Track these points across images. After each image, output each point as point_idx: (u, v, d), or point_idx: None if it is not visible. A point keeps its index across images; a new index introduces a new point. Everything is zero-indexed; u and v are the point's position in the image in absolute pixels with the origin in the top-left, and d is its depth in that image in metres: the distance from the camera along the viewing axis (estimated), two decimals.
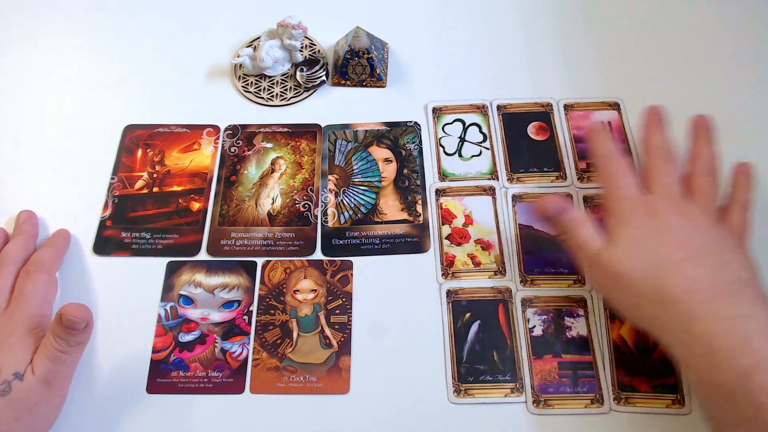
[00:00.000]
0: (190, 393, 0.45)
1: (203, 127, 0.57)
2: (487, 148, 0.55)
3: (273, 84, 0.59)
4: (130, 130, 0.56)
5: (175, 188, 0.53)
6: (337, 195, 0.53)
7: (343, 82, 0.58)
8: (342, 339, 0.46)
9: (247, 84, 0.59)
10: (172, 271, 0.49)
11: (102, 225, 0.52)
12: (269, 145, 0.55)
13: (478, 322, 0.46)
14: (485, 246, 0.50)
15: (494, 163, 0.54)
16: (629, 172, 0.45)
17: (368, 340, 0.46)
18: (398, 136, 0.55)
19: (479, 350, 0.46)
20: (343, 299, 0.48)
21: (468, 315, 0.47)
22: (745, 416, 0.35)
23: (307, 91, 0.58)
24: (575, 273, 0.48)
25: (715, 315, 0.37)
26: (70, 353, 0.42)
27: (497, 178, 0.53)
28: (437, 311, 0.47)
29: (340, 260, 0.50)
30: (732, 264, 0.40)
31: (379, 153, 0.55)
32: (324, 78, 0.58)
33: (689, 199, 0.44)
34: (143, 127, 0.57)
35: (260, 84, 0.59)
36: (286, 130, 0.56)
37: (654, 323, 0.41)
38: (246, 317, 0.47)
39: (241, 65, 0.59)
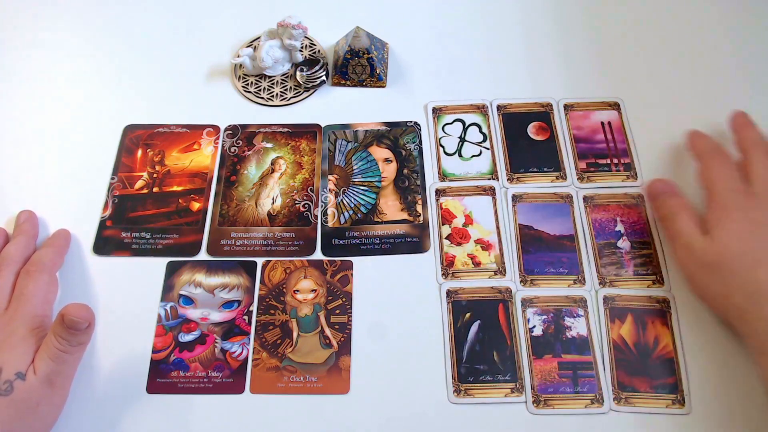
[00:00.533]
0: (190, 393, 0.45)
1: (203, 127, 0.57)
2: (487, 148, 0.55)
3: (273, 84, 0.59)
4: (130, 130, 0.56)
5: (175, 188, 0.53)
6: (337, 195, 0.53)
7: (343, 82, 0.58)
8: (342, 339, 0.46)
9: (247, 84, 0.59)
10: (172, 271, 0.49)
11: (102, 225, 0.52)
12: (269, 145, 0.55)
13: (478, 322, 0.46)
14: (485, 246, 0.50)
15: (494, 163, 0.54)
16: (730, 166, 0.47)
17: (368, 340, 0.46)
18: (398, 136, 0.55)
19: (479, 350, 0.46)
20: (343, 299, 0.48)
21: (468, 315, 0.47)
22: None
23: (307, 91, 0.58)
24: (575, 273, 0.48)
25: None
26: (72, 353, 0.42)
27: (497, 178, 0.53)
28: (437, 311, 0.47)
29: (340, 260, 0.50)
30: None
31: (379, 153, 0.55)
32: (324, 78, 0.58)
33: None
34: (143, 127, 0.57)
35: (260, 84, 0.59)
36: (286, 130, 0.56)
37: (738, 314, 0.42)
38: (246, 317, 0.47)
39: (241, 65, 0.59)
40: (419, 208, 0.52)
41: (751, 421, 0.43)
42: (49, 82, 0.59)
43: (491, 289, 0.48)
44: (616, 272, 0.48)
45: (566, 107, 0.56)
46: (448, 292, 0.48)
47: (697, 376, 0.44)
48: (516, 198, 0.52)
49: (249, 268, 0.49)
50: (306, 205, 0.52)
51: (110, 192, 0.53)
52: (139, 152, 0.55)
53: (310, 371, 0.45)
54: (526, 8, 0.63)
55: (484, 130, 0.56)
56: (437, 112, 0.57)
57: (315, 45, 0.61)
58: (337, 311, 0.47)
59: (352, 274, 0.49)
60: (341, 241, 0.50)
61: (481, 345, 0.46)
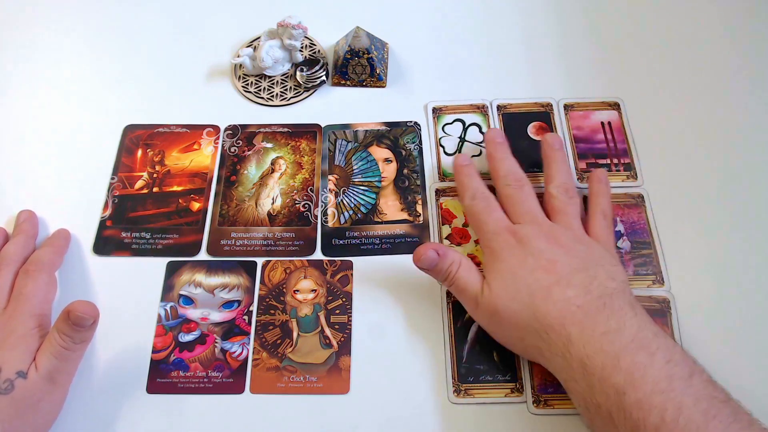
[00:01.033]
0: (190, 393, 0.45)
1: (203, 127, 0.57)
2: None
3: (273, 84, 0.59)
4: (130, 130, 0.56)
5: (175, 188, 0.53)
6: (337, 195, 0.53)
7: (343, 82, 0.58)
8: (342, 339, 0.46)
9: (247, 84, 0.59)
10: (172, 271, 0.49)
11: (102, 225, 0.52)
12: (269, 145, 0.55)
13: None
14: None
15: None
16: (495, 207, 0.47)
17: (368, 340, 0.46)
18: (398, 136, 0.55)
19: (479, 350, 0.46)
20: (343, 299, 0.48)
21: (468, 315, 0.47)
22: None
23: (307, 91, 0.58)
24: None
25: (588, 335, 0.38)
26: (75, 351, 0.42)
27: None
28: (437, 311, 0.47)
29: (340, 260, 0.50)
30: (600, 276, 0.41)
31: (379, 153, 0.55)
32: (324, 78, 0.58)
33: (553, 219, 0.46)
34: (143, 127, 0.57)
35: (260, 84, 0.59)
36: (286, 130, 0.56)
37: (538, 353, 0.41)
38: (246, 317, 0.47)
39: (241, 65, 0.59)
40: (419, 208, 0.52)
41: None
42: (49, 82, 0.59)
43: None
44: None
45: (566, 107, 0.56)
46: (448, 292, 0.48)
47: None
48: None
49: (249, 268, 0.49)
50: (306, 205, 0.52)
51: (110, 192, 0.53)
52: (139, 152, 0.55)
53: (310, 371, 0.45)
54: (526, 8, 0.63)
55: (484, 130, 0.56)
56: (437, 112, 0.57)
57: (315, 45, 0.61)
58: (337, 311, 0.47)
59: (352, 274, 0.49)
60: (341, 241, 0.50)
61: (481, 345, 0.46)
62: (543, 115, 0.56)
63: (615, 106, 0.56)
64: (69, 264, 0.50)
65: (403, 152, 0.55)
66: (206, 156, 0.55)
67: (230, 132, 0.56)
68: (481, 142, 0.55)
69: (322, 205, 0.52)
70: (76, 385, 0.44)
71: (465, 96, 0.57)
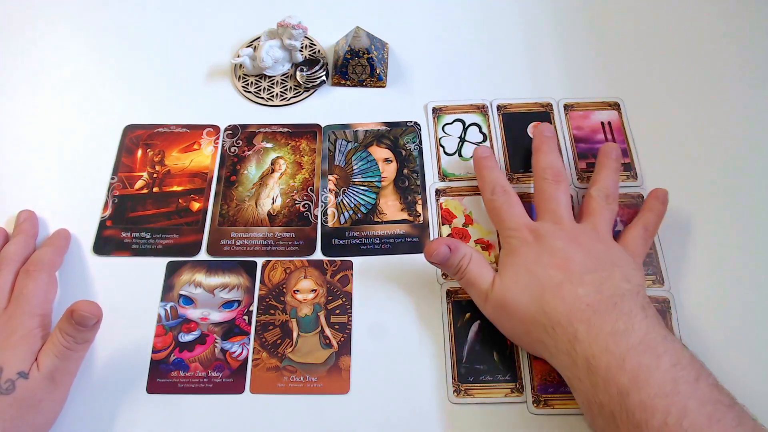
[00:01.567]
0: (190, 393, 0.45)
1: (203, 127, 0.57)
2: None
3: (273, 84, 0.59)
4: (130, 130, 0.56)
5: (175, 188, 0.53)
6: (337, 195, 0.53)
7: (343, 82, 0.58)
8: (342, 339, 0.46)
9: (247, 84, 0.59)
10: (172, 271, 0.49)
11: (102, 225, 0.52)
12: (269, 145, 0.55)
13: (478, 322, 0.46)
14: (485, 246, 0.50)
15: None
16: (515, 203, 0.47)
17: (368, 340, 0.46)
18: (398, 136, 0.55)
19: (479, 350, 0.46)
20: (343, 299, 0.48)
21: (468, 315, 0.47)
22: None
23: (307, 91, 0.58)
24: None
25: (595, 334, 0.38)
26: (77, 350, 0.42)
27: None
28: (437, 311, 0.47)
29: (340, 260, 0.50)
30: (614, 277, 0.40)
31: (379, 153, 0.55)
32: (324, 78, 0.58)
33: (581, 220, 0.45)
34: (143, 127, 0.57)
35: (260, 84, 0.59)
36: (286, 130, 0.56)
37: (543, 349, 0.41)
38: (246, 317, 0.47)
39: (241, 65, 0.59)
40: (419, 208, 0.52)
41: None
42: (49, 82, 0.59)
43: None
44: None
45: (566, 107, 0.56)
46: (448, 292, 0.48)
47: None
48: None
49: (249, 268, 0.49)
50: (306, 205, 0.52)
51: (110, 192, 0.53)
52: (139, 152, 0.55)
53: (310, 371, 0.45)
54: (526, 8, 0.63)
55: (484, 130, 0.56)
56: (437, 112, 0.57)
57: (315, 45, 0.61)
58: (337, 311, 0.47)
59: (352, 274, 0.49)
60: (341, 241, 0.50)
61: (481, 345, 0.46)
62: (543, 115, 0.56)
63: (615, 106, 0.56)
64: (69, 264, 0.50)
65: (403, 152, 0.55)
66: (206, 156, 0.55)
67: (230, 132, 0.56)
68: (481, 143, 0.55)
69: (322, 205, 0.52)
70: (76, 385, 0.44)
71: (465, 96, 0.57)
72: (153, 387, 0.45)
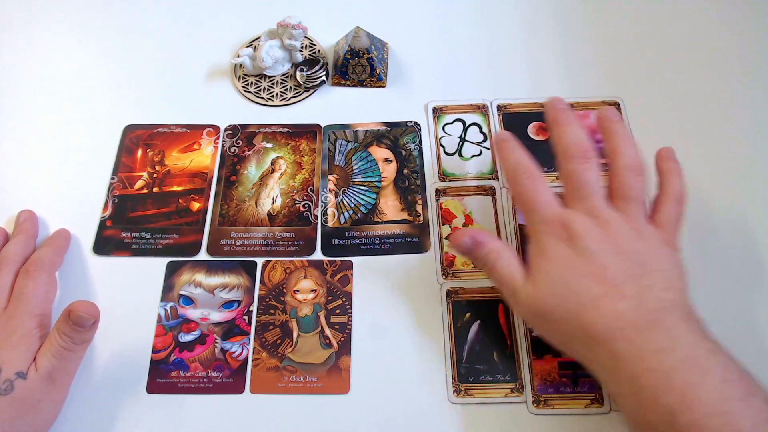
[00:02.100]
0: (190, 393, 0.45)
1: (203, 127, 0.57)
2: (488, 148, 0.55)
3: (273, 84, 0.59)
4: (130, 130, 0.56)
5: (175, 188, 0.53)
6: (337, 195, 0.53)
7: (343, 82, 0.58)
8: (342, 339, 0.46)
9: (247, 84, 0.59)
10: (172, 271, 0.49)
11: (102, 225, 0.52)
12: (269, 145, 0.55)
13: (478, 322, 0.46)
14: None
15: (494, 163, 0.54)
16: (543, 188, 0.42)
17: (368, 340, 0.46)
18: (398, 136, 0.55)
19: (479, 350, 0.46)
20: (343, 299, 0.48)
21: (468, 315, 0.47)
22: None
23: (307, 91, 0.58)
24: None
25: (638, 353, 0.35)
26: (75, 351, 0.42)
27: (497, 178, 0.53)
28: (437, 311, 0.47)
29: (340, 260, 0.50)
30: (655, 286, 0.37)
31: (379, 153, 0.55)
32: (324, 78, 0.58)
33: (612, 206, 0.41)
34: (143, 127, 0.57)
35: (260, 84, 0.59)
36: (286, 130, 0.56)
37: (585, 361, 0.39)
38: (246, 317, 0.47)
39: (241, 65, 0.59)
40: (419, 208, 0.52)
41: None
42: (49, 81, 0.59)
43: (491, 289, 0.48)
44: None
45: None
46: (448, 292, 0.48)
47: None
48: None
49: (249, 268, 0.49)
50: (306, 205, 0.52)
51: (110, 192, 0.53)
52: (139, 152, 0.55)
53: (310, 371, 0.45)
54: (526, 8, 0.63)
55: (485, 130, 0.56)
56: (437, 112, 0.57)
57: (315, 45, 0.61)
58: (337, 311, 0.47)
59: (352, 274, 0.49)
60: (341, 241, 0.50)
61: (481, 345, 0.46)
62: (543, 115, 0.56)
63: (615, 106, 0.56)
64: (69, 264, 0.50)
65: (403, 152, 0.55)
66: (206, 156, 0.55)
67: (230, 132, 0.56)
68: (481, 142, 0.55)
69: (322, 205, 0.52)
70: (76, 385, 0.44)
71: (465, 96, 0.57)
72: (153, 387, 0.45)
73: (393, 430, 0.43)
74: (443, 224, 0.51)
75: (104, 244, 0.51)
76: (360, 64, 0.57)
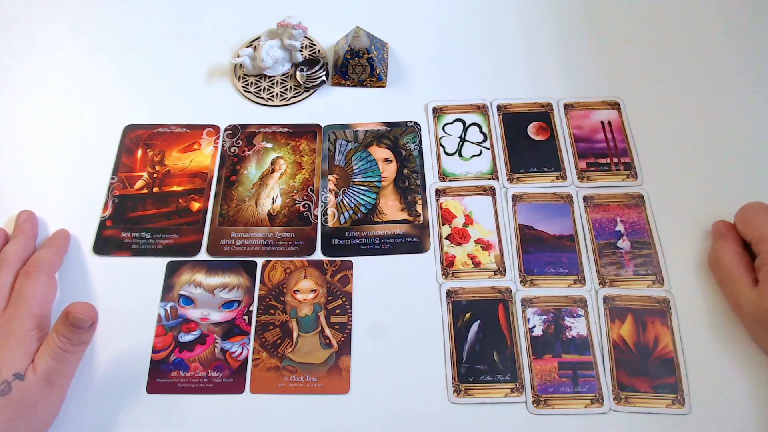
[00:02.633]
0: (190, 393, 0.45)
1: (203, 127, 0.57)
2: (488, 148, 0.55)
3: (273, 84, 0.59)
4: (130, 130, 0.56)
5: (175, 188, 0.53)
6: (337, 195, 0.53)
7: (343, 82, 0.58)
8: (342, 339, 0.46)
9: (247, 84, 0.59)
10: (172, 271, 0.49)
11: (102, 225, 0.52)
12: (269, 145, 0.55)
13: (478, 322, 0.46)
14: (485, 246, 0.50)
15: (494, 163, 0.54)
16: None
17: (368, 340, 0.46)
18: (398, 136, 0.55)
19: (479, 350, 0.46)
20: (343, 299, 0.48)
21: (468, 315, 0.47)
22: None
23: (307, 91, 0.58)
24: (575, 273, 0.48)
25: None
26: (73, 352, 0.42)
27: (497, 178, 0.53)
28: (437, 311, 0.47)
29: (340, 260, 0.50)
30: None
31: (379, 153, 0.55)
32: (324, 78, 0.58)
33: None
34: (143, 127, 0.57)
35: (260, 84, 0.59)
36: (286, 130, 0.56)
37: None
38: (246, 317, 0.47)
39: (241, 65, 0.59)
40: (419, 208, 0.52)
41: (751, 420, 0.43)
42: (49, 82, 0.59)
43: (491, 289, 0.48)
44: (616, 272, 0.48)
45: (566, 107, 0.56)
46: (448, 292, 0.48)
47: (697, 376, 0.44)
48: (516, 198, 0.52)
49: (249, 268, 0.49)
50: (306, 205, 0.52)
51: (110, 192, 0.53)
52: (139, 152, 0.55)
53: (310, 371, 0.45)
54: (526, 8, 0.63)
55: (485, 130, 0.56)
56: (437, 112, 0.57)
57: (315, 45, 0.61)
58: (337, 311, 0.47)
59: (352, 274, 0.49)
60: (341, 241, 0.50)
61: (481, 345, 0.46)
62: (543, 115, 0.56)
63: (615, 105, 0.56)
64: (69, 264, 0.50)
65: (403, 152, 0.55)
66: (206, 156, 0.55)
67: (230, 132, 0.56)
68: (481, 142, 0.55)
69: (322, 205, 0.52)
70: (76, 386, 0.44)
71: (465, 96, 0.57)
72: (153, 387, 0.45)
73: (393, 430, 0.43)
74: (443, 224, 0.51)
75: (104, 244, 0.51)
76: (360, 64, 0.57)
